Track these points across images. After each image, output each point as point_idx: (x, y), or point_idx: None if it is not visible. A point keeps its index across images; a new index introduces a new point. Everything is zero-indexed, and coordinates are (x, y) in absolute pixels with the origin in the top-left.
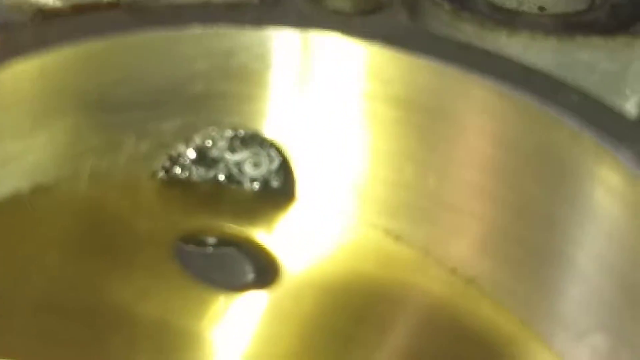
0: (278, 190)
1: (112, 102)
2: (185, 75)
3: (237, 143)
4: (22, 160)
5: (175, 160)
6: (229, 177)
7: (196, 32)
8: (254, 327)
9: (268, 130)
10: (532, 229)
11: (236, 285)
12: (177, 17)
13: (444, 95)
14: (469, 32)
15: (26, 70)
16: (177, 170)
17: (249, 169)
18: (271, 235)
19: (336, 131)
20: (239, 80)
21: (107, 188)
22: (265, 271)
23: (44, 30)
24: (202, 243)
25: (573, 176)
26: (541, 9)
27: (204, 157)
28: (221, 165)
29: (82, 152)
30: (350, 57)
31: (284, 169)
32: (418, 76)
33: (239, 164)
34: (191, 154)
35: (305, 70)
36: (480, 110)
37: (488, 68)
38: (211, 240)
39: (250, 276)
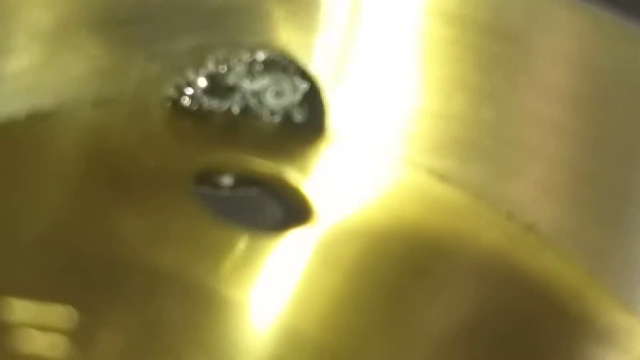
0: (305, 124)
1: (118, 15)
2: None
3: (256, 68)
4: (17, 80)
5: (185, 89)
6: (246, 108)
7: None
8: (284, 274)
9: (297, 54)
10: (606, 166)
11: (264, 228)
12: None
13: (507, 11)
14: None
15: None
16: (187, 100)
17: (270, 98)
18: (301, 174)
19: (378, 54)
20: None
21: (113, 116)
22: (296, 215)
23: None
24: (220, 182)
25: None
26: None
27: (217, 86)
28: (237, 96)
29: (85, 73)
30: None
31: (312, 99)
32: None
33: (258, 94)
34: (202, 82)
35: None
36: (549, 28)
37: None
38: (230, 178)
39: (279, 219)
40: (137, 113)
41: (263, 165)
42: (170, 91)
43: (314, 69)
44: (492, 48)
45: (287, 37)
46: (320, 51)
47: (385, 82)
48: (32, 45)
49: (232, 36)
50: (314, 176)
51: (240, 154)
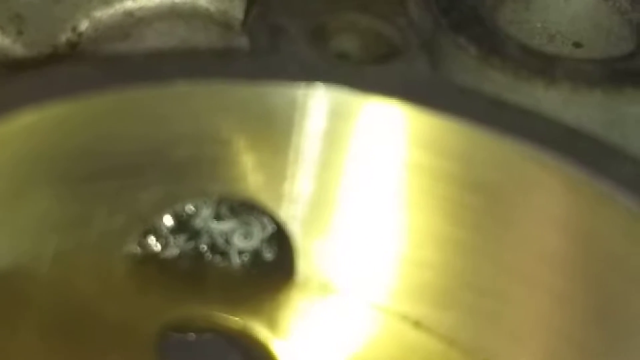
0: (273, 268)
1: (82, 171)
2: (167, 139)
3: (224, 211)
4: None
5: (151, 232)
6: (213, 248)
7: (181, 89)
8: None
9: (264, 200)
10: (581, 323)
11: None
12: (158, 71)
13: (477, 162)
14: (500, 81)
15: None
16: (153, 242)
17: (237, 240)
18: (270, 329)
19: (351, 201)
20: (231, 143)
21: (74, 270)
22: None
23: (3, 91)
24: (184, 332)
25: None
26: (576, 45)
27: (184, 227)
28: (205, 236)
29: (45, 230)
30: (364, 114)
31: (281, 241)
32: (444, 140)
33: (226, 234)
34: (169, 221)
35: (309, 130)
36: (521, 183)
37: (526, 131)
38: (195, 328)
39: None
40: (98, 266)
41: (230, 320)
42: (134, 241)
43: (283, 214)
44: (464, 199)
45: (256, 184)
46: (289, 197)
47: (358, 229)
48: None
49: (199, 185)
50: (283, 329)
51: (206, 308)
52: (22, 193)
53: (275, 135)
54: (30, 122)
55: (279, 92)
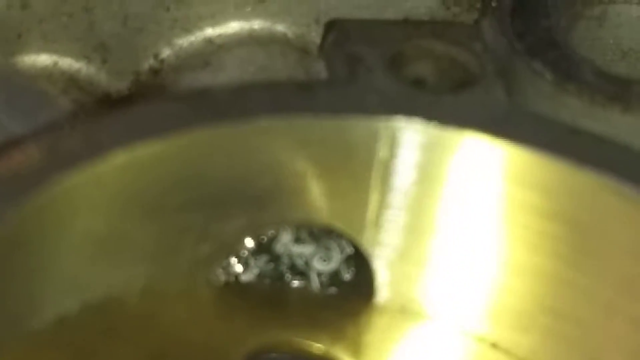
0: (352, 290)
1: (171, 205)
2: (250, 171)
3: (303, 235)
4: (71, 278)
5: (235, 258)
6: (294, 271)
7: (263, 124)
8: None
9: (343, 226)
10: None
11: None
12: (242, 107)
13: (557, 192)
14: (576, 107)
15: (79, 184)
16: (237, 267)
17: (317, 263)
18: (349, 349)
19: (427, 226)
20: (311, 174)
21: (162, 299)
22: None
23: (94, 133)
24: (268, 358)
25: None
26: None
27: (265, 251)
28: (285, 260)
29: (136, 262)
30: (442, 148)
31: (359, 263)
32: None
33: (305, 257)
34: (251, 245)
35: (392, 163)
36: (599, 212)
37: (605, 161)
38: (279, 354)
39: None
40: (185, 294)
41: (313, 346)
42: (219, 268)
43: (364, 239)
44: (545, 228)
45: (336, 211)
46: (371, 224)
47: (442, 252)
48: (86, 246)
49: (281, 213)
50: (366, 355)
51: (288, 333)
52: (115, 229)
53: (356, 166)
54: (123, 162)
55: (359, 125)
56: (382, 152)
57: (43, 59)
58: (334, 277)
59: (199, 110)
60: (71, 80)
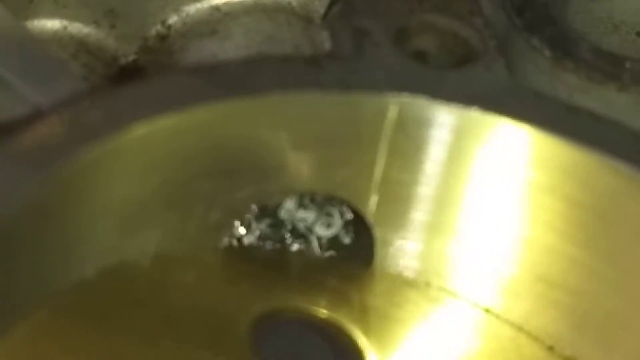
0: (352, 255)
1: (184, 175)
2: (260, 143)
3: (307, 202)
4: (90, 244)
5: (243, 224)
6: (295, 234)
7: (274, 98)
8: None
9: (347, 194)
10: None
11: None
12: (254, 81)
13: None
14: (573, 83)
15: (100, 156)
16: (244, 232)
17: (319, 228)
18: (351, 314)
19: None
20: (319, 145)
21: (172, 264)
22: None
23: (113, 107)
24: (275, 322)
25: None
26: (639, 34)
27: (270, 217)
28: (288, 224)
29: (149, 228)
30: (440, 125)
31: (359, 228)
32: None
33: (308, 223)
34: (257, 213)
35: (397, 137)
36: (610, 196)
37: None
38: (285, 319)
39: None
40: (195, 259)
41: (317, 310)
42: (227, 234)
43: (369, 207)
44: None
45: (336, 180)
46: (368, 192)
47: (429, 220)
48: (105, 214)
49: (285, 183)
50: (367, 321)
51: (293, 299)
52: (132, 198)
53: (362, 139)
54: (141, 135)
55: (366, 101)
56: (388, 127)
57: (53, 24)
58: (334, 241)
59: (213, 84)
60: (80, 45)
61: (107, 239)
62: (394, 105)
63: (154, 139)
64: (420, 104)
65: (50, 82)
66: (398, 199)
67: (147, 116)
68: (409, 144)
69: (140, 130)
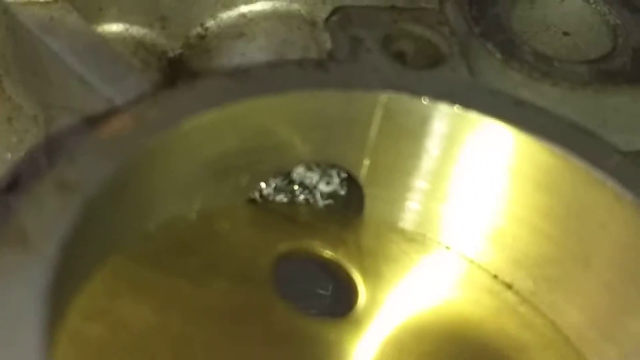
0: (345, 203)
1: (222, 156)
2: (280, 129)
3: (313, 167)
4: (152, 207)
5: (264, 190)
6: (302, 187)
7: (292, 96)
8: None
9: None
10: None
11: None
12: (276, 82)
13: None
14: (517, 80)
15: (159, 145)
16: (264, 188)
17: (321, 185)
18: (350, 256)
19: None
20: (326, 131)
21: (213, 216)
22: (342, 298)
23: (168, 105)
24: (291, 260)
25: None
26: (565, 33)
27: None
28: (297, 181)
29: (196, 192)
30: (419, 115)
31: (352, 186)
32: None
33: (313, 181)
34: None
35: (384, 124)
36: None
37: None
38: (298, 258)
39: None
40: (230, 212)
41: (324, 252)
42: (255, 192)
43: (356, 171)
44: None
45: (336, 153)
46: (360, 163)
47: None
48: (165, 186)
49: (298, 155)
50: (364, 263)
51: (305, 241)
52: (183, 173)
53: (357, 126)
54: (191, 126)
55: (360, 97)
56: (377, 116)
57: (117, 27)
58: (332, 194)
59: (244, 85)
60: (139, 43)
61: (164, 202)
62: (382, 99)
63: (200, 128)
64: (403, 98)
65: (120, 80)
66: (384, 165)
67: (195, 112)
68: (394, 129)
69: (190, 123)
